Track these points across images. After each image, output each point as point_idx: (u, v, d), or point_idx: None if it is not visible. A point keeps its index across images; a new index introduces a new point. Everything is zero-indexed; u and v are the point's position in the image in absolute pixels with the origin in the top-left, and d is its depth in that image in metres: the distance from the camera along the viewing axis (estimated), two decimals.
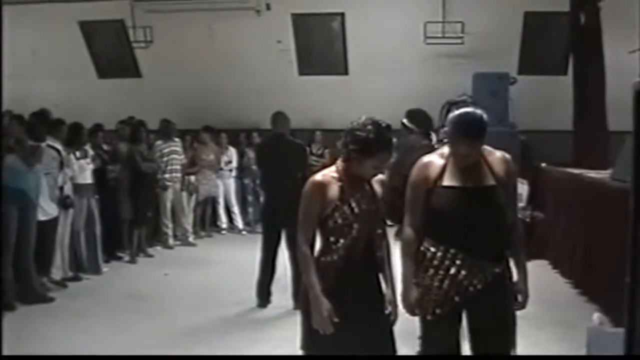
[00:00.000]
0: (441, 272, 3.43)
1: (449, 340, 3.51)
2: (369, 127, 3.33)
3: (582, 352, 4.39)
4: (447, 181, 3.46)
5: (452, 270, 3.41)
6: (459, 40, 11.68)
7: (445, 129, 3.46)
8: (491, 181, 3.47)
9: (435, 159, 3.54)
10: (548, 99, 11.64)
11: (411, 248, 3.56)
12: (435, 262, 3.45)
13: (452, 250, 3.42)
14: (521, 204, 9.17)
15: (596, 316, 4.59)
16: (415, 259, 3.54)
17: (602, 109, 10.29)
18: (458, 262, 3.41)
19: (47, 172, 7.54)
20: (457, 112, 3.40)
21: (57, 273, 7.94)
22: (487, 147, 3.54)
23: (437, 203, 3.46)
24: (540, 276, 8.22)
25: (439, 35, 11.67)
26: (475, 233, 3.41)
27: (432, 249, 3.47)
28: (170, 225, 10.58)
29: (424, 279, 3.50)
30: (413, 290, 3.54)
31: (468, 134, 3.37)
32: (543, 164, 10.29)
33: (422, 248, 3.53)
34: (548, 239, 8.92)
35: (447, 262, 3.43)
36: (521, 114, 10.73)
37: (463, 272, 3.40)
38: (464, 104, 3.44)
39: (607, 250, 6.64)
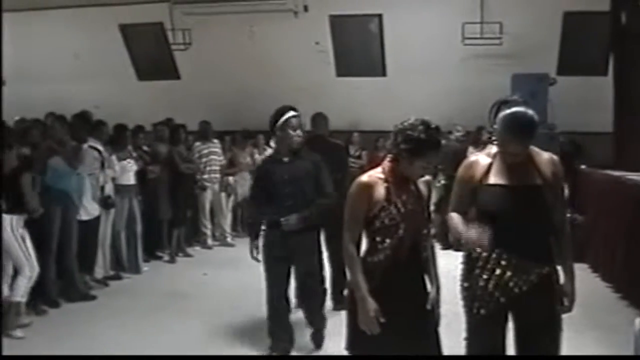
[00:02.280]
0: (486, 272, 3.44)
1: (494, 341, 3.52)
2: (420, 127, 3.36)
3: (624, 354, 4.36)
4: (492, 179, 3.47)
5: (498, 271, 3.42)
6: (497, 41, 11.60)
7: (495, 126, 3.47)
8: (537, 181, 3.47)
9: (481, 158, 3.57)
10: (588, 100, 11.50)
11: (457, 218, 3.55)
12: (481, 262, 3.46)
13: (497, 250, 3.43)
14: None
15: (638, 321, 4.54)
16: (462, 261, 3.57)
17: None
18: (503, 262, 3.42)
19: (90, 173, 7.68)
20: (508, 110, 3.42)
21: (98, 272, 8.10)
22: (534, 148, 3.54)
23: (482, 201, 3.47)
24: (580, 280, 8.05)
25: (477, 36, 11.60)
26: (520, 232, 3.42)
27: (478, 249, 3.49)
28: (209, 225, 10.68)
29: (469, 278, 3.52)
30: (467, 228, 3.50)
31: (519, 133, 3.39)
32: (583, 166, 10.17)
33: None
34: (588, 242, 8.82)
35: (492, 262, 3.44)
36: (561, 116, 10.61)
37: (508, 273, 3.41)
38: (515, 103, 3.45)
39: None
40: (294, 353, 5.59)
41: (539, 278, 3.44)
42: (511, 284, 3.42)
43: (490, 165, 3.50)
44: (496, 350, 3.54)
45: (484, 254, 3.46)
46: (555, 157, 3.61)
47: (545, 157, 3.56)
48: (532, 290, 3.43)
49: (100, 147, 8.03)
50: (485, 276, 3.45)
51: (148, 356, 5.45)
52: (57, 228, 7.07)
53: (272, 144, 5.51)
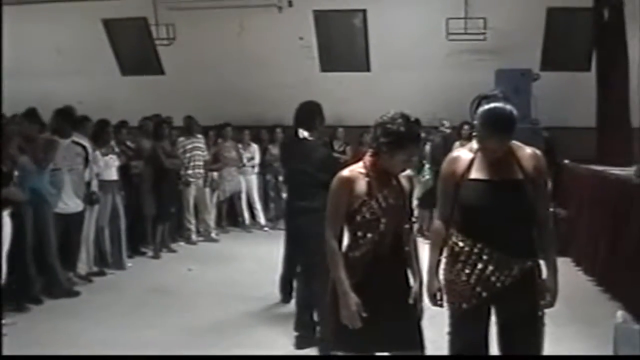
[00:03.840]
0: (468, 266, 3.46)
1: (477, 335, 3.53)
2: (399, 120, 3.37)
3: (606, 349, 4.40)
4: (474, 174, 3.49)
5: (480, 265, 3.43)
6: (481, 37, 11.63)
7: (475, 122, 3.48)
8: (519, 175, 3.47)
9: (463, 153, 3.58)
10: (571, 95, 11.57)
11: (438, 240, 3.63)
12: (463, 257, 3.48)
13: (479, 245, 3.45)
14: None
15: (620, 314, 4.59)
16: (443, 252, 3.61)
17: (626, 106, 10.21)
18: (485, 257, 3.43)
19: (70, 169, 7.60)
20: (486, 106, 3.41)
21: (82, 268, 8.05)
22: (516, 143, 3.55)
23: (465, 196, 3.49)
24: (562, 273, 8.07)
25: (461, 31, 11.61)
26: (502, 227, 3.43)
27: (460, 244, 3.50)
28: (193, 221, 10.67)
29: (451, 273, 3.54)
30: (436, 282, 3.60)
31: (497, 129, 3.39)
32: (566, 161, 10.24)
33: (450, 242, 3.56)
34: (571, 236, 8.88)
35: (474, 257, 3.45)
36: (544, 111, 10.67)
37: (490, 267, 3.42)
38: (495, 98, 3.45)
39: (631, 247, 6.62)
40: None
41: (521, 273, 3.45)
42: (493, 278, 3.44)
43: (472, 161, 3.52)
44: (479, 345, 3.56)
45: (466, 248, 3.48)
46: (537, 151, 3.61)
47: (527, 151, 3.56)
48: (514, 285, 3.44)
49: (85, 143, 7.97)
50: (467, 271, 3.47)
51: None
52: (30, 226, 6.92)
53: (310, 137, 5.86)
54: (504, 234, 3.44)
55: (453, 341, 3.60)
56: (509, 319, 3.52)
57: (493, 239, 3.43)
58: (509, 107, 3.40)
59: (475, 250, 3.46)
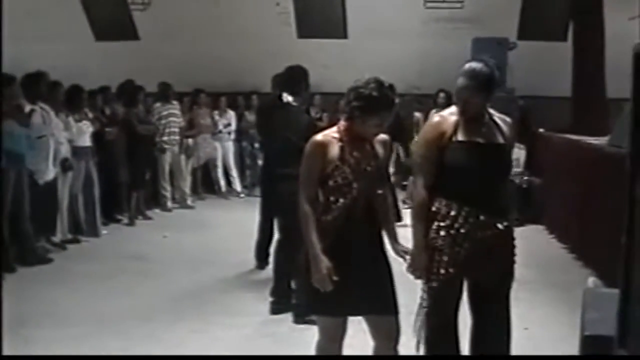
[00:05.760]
0: (452, 231, 3.47)
1: (454, 302, 3.58)
2: (372, 85, 3.35)
3: (578, 313, 4.46)
4: (461, 137, 3.50)
5: (464, 229, 3.46)
6: (458, 5, 11.64)
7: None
8: (501, 139, 3.55)
9: (447, 116, 3.60)
10: (547, 64, 11.61)
11: (423, 211, 3.57)
12: (448, 222, 3.48)
13: (465, 208, 3.46)
14: (518, 169, 9.21)
15: (591, 280, 4.63)
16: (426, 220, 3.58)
17: (601, 76, 10.27)
18: (471, 219, 3.46)
19: (42, 135, 7.50)
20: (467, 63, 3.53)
21: (56, 235, 7.98)
22: (491, 110, 3.61)
23: (452, 159, 3.50)
24: (536, 241, 8.29)
25: None
26: (487, 189, 3.49)
27: (445, 208, 3.50)
28: (168, 188, 10.63)
29: (436, 239, 3.51)
30: (423, 256, 3.53)
31: (464, 82, 3.46)
32: (541, 130, 10.31)
33: (433, 208, 3.54)
34: (545, 205, 8.98)
35: (460, 221, 3.47)
36: (520, 80, 10.72)
37: (476, 230, 3.46)
38: (480, 60, 3.54)
39: (603, 215, 6.69)
40: None
41: (501, 232, 3.52)
42: (478, 241, 3.47)
43: (457, 123, 3.53)
44: (455, 308, 3.60)
45: (453, 212, 3.48)
46: (508, 119, 3.70)
47: (502, 117, 3.65)
48: (495, 245, 3.51)
49: (49, 109, 7.80)
50: (451, 236, 3.47)
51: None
52: (10, 192, 6.87)
53: (294, 102, 5.70)
54: (489, 196, 3.49)
55: (436, 303, 3.57)
56: (484, 276, 3.57)
57: (479, 202, 3.47)
58: (479, 64, 3.48)
59: (462, 213, 3.47)
